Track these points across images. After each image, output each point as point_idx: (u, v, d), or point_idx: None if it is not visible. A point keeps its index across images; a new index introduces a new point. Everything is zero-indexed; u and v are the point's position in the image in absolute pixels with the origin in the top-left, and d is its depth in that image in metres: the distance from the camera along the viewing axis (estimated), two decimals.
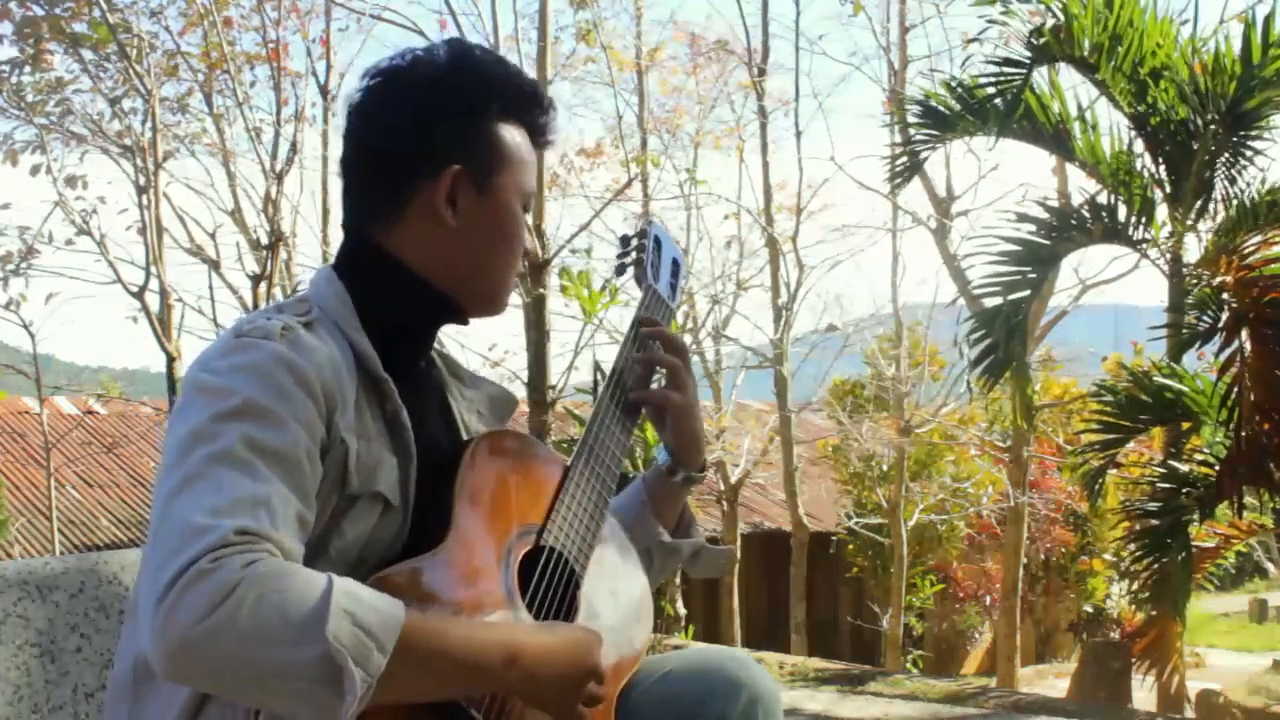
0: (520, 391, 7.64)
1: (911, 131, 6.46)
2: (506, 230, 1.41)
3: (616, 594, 1.44)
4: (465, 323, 1.46)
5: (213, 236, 8.78)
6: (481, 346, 8.89)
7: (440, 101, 1.36)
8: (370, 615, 1.06)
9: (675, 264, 1.70)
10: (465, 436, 1.47)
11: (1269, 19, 5.34)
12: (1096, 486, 5.84)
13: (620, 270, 1.66)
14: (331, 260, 1.44)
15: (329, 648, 1.02)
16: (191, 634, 1.01)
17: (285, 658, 1.02)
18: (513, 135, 1.40)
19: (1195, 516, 5.40)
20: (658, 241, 1.67)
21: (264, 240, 8.27)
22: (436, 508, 1.30)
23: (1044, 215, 6.02)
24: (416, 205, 1.36)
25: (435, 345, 1.49)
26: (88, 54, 8.68)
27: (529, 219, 1.49)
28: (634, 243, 1.66)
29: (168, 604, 1.02)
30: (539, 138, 1.45)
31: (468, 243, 1.38)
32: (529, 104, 1.43)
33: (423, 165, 1.36)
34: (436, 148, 1.36)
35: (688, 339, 10.93)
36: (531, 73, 1.57)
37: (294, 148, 8.57)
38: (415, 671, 1.09)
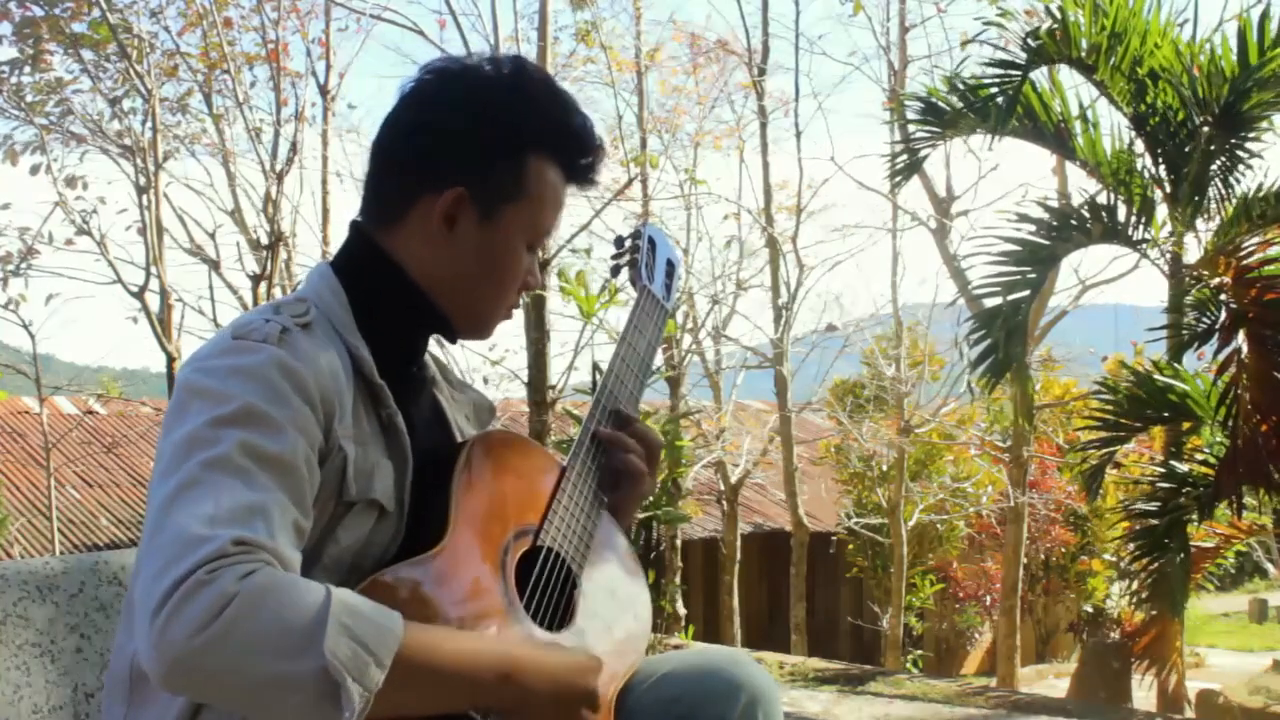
0: (520, 392, 7.64)
1: (912, 129, 6.45)
2: (498, 264, 1.38)
3: (614, 594, 1.44)
4: (453, 340, 1.45)
5: (213, 236, 8.79)
6: (482, 346, 8.88)
7: (472, 120, 1.34)
8: (368, 629, 1.05)
9: (670, 264, 1.70)
10: (459, 438, 1.47)
11: (1264, 20, 5.34)
12: (1095, 484, 5.84)
13: (615, 271, 1.66)
14: (331, 256, 1.44)
15: (326, 662, 1.01)
16: (189, 646, 1.01)
17: (282, 671, 1.02)
18: (542, 172, 1.38)
19: (1195, 516, 5.40)
20: (652, 242, 1.67)
21: (264, 240, 8.27)
22: (433, 510, 1.30)
23: (1044, 215, 6.01)
24: (416, 212, 1.35)
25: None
26: (88, 54, 8.68)
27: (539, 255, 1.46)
28: (628, 244, 1.66)
29: (164, 616, 1.02)
30: (578, 180, 1.43)
31: (457, 264, 1.36)
32: (571, 145, 1.40)
33: (431, 176, 1.34)
34: (449, 163, 1.34)
35: (687, 339, 10.94)
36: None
37: (294, 148, 8.58)
38: (411, 686, 1.09)
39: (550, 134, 1.38)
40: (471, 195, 1.34)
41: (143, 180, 8.48)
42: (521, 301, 1.48)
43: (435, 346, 1.52)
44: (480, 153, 1.34)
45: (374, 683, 1.04)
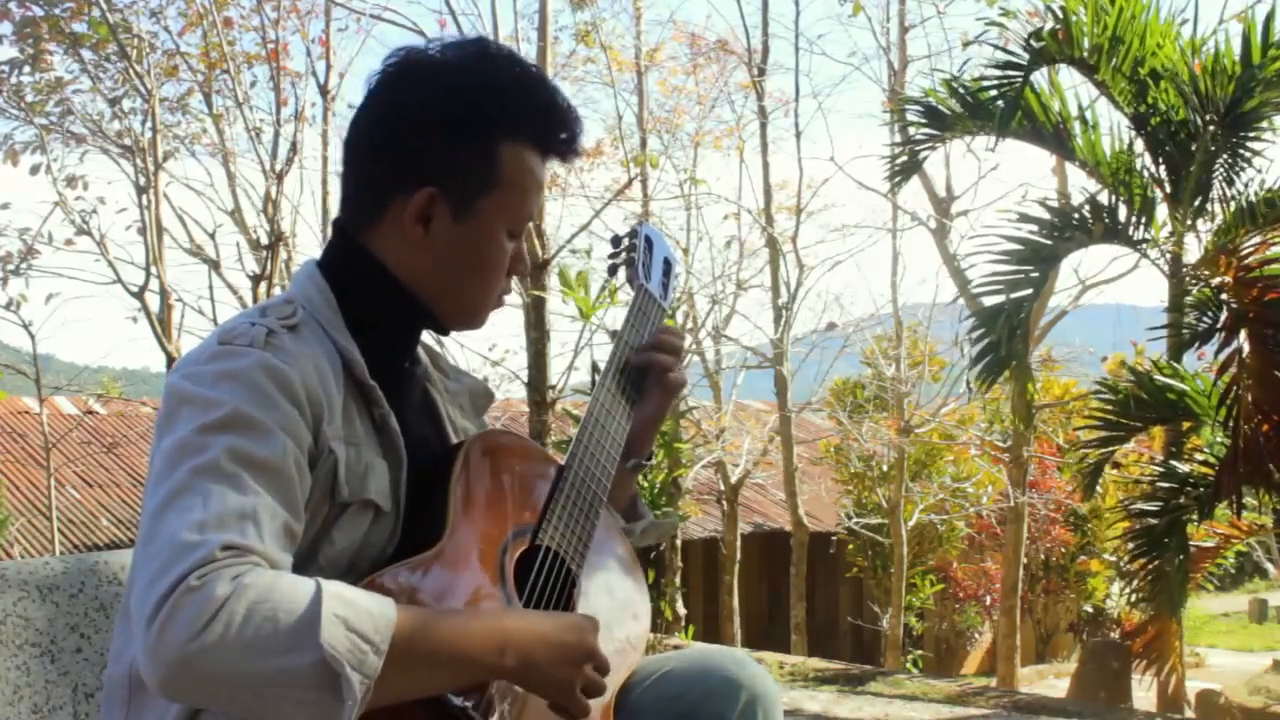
0: (520, 392, 7.64)
1: (911, 131, 6.45)
2: (481, 259, 1.36)
3: (613, 592, 1.44)
4: (444, 333, 1.44)
5: (213, 236, 8.80)
6: (481, 346, 8.89)
7: (437, 116, 1.31)
8: (363, 618, 1.06)
9: (667, 263, 1.70)
10: (451, 432, 1.46)
11: (1269, 20, 5.34)
12: (1093, 483, 5.84)
13: (612, 270, 1.66)
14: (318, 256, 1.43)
15: (324, 654, 1.02)
16: (185, 652, 1.01)
17: (281, 667, 1.02)
18: (516, 158, 1.34)
19: (1194, 516, 5.40)
20: (649, 241, 1.67)
21: (264, 240, 8.27)
22: (430, 509, 1.30)
23: (1045, 215, 6.02)
24: (391, 215, 1.34)
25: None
26: (88, 54, 8.69)
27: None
28: (625, 243, 1.65)
29: (158, 624, 1.02)
30: (559, 154, 1.39)
31: (439, 263, 1.34)
32: (546, 124, 1.36)
33: (400, 179, 1.32)
34: (417, 165, 1.32)
35: (687, 339, 10.93)
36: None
37: (294, 148, 8.58)
38: (411, 669, 1.10)
39: (521, 117, 1.34)
40: (443, 193, 1.32)
41: (143, 180, 8.48)
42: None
43: (428, 335, 1.51)
44: (449, 149, 1.31)
45: (373, 669, 1.05)
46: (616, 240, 1.66)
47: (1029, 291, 5.77)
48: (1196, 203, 5.78)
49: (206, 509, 1.09)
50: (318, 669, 1.02)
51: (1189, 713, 6.62)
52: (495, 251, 1.37)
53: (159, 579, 1.04)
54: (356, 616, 1.05)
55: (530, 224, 1.44)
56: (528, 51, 8.00)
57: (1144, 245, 5.96)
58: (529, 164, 1.36)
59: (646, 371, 1.57)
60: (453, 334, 1.46)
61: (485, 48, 1.37)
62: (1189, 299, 5.62)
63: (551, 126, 1.37)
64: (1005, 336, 5.63)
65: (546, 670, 1.20)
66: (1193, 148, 5.68)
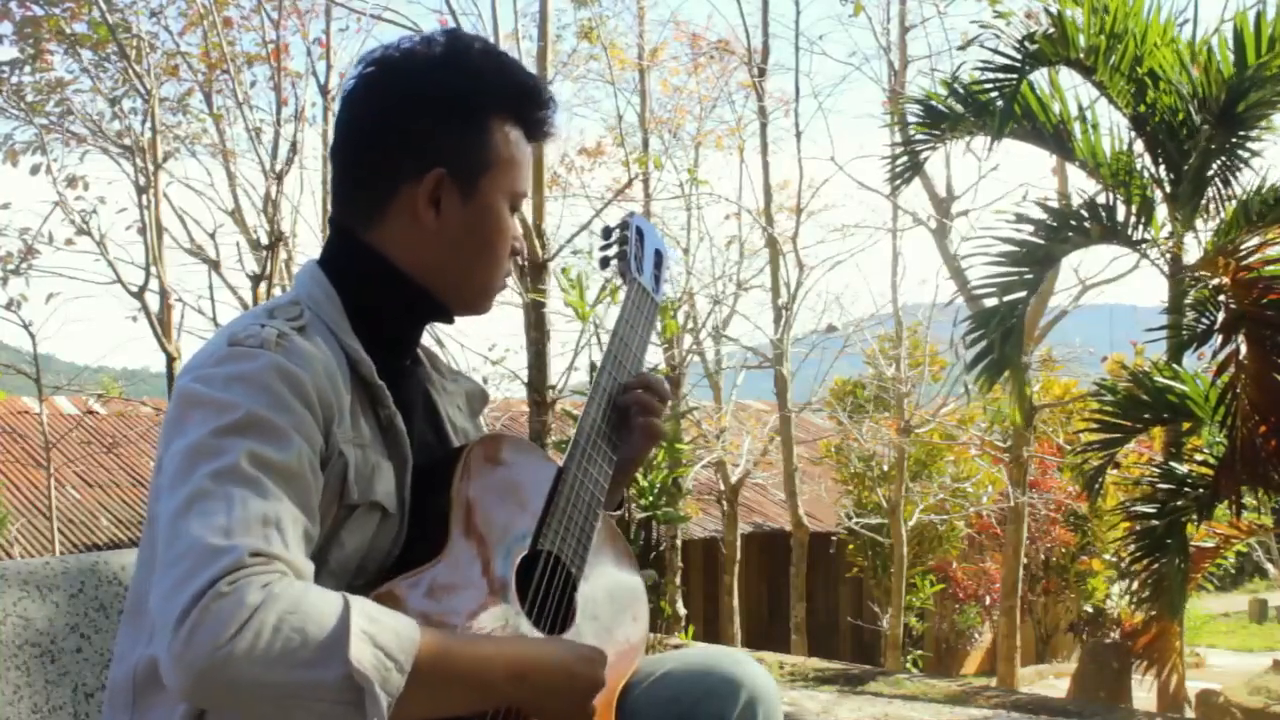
0: (520, 392, 7.64)
1: (911, 131, 6.45)
2: (489, 234, 1.38)
3: (613, 595, 1.44)
4: (450, 321, 1.46)
5: (213, 236, 8.81)
6: (481, 346, 8.89)
7: (429, 100, 1.34)
8: (389, 636, 1.07)
9: (659, 254, 1.67)
10: (451, 433, 1.47)
11: (1259, 19, 5.33)
12: (1096, 486, 5.84)
13: (604, 263, 1.64)
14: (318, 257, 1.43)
15: (352, 669, 1.02)
16: (213, 659, 1.01)
17: (308, 679, 1.02)
18: (505, 135, 1.38)
19: (1194, 517, 5.40)
20: (640, 233, 1.65)
21: (264, 240, 8.27)
22: (432, 514, 1.30)
23: (1042, 216, 6.01)
24: (398, 204, 1.35)
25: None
26: (88, 54, 8.70)
27: (527, 217, 1.47)
28: (615, 234, 1.64)
29: (187, 629, 1.02)
30: (537, 133, 1.43)
31: (449, 245, 1.36)
32: (525, 101, 1.40)
33: (406, 165, 1.34)
34: (421, 149, 1.34)
35: (687, 339, 10.93)
36: (532, 70, 1.53)
37: (294, 148, 8.58)
38: (431, 690, 1.10)
39: (504, 94, 1.38)
40: (450, 174, 1.34)
41: (143, 180, 8.49)
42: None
43: (427, 336, 1.52)
44: (447, 130, 1.34)
45: (396, 687, 1.05)
46: (607, 232, 1.65)
47: (1023, 294, 5.77)
48: (1195, 203, 5.77)
49: (230, 514, 1.09)
50: (344, 684, 1.03)
51: (1189, 713, 6.62)
52: (502, 227, 1.39)
53: (186, 583, 1.04)
54: (382, 634, 1.06)
55: (527, 219, 1.45)
56: (528, 50, 8.01)
57: (1144, 245, 5.95)
58: (516, 139, 1.39)
59: (628, 410, 1.51)
60: (453, 334, 1.47)
61: (457, 35, 1.41)
62: (1188, 299, 5.61)
63: (530, 104, 1.41)
64: (998, 340, 5.63)
65: (559, 703, 1.22)
66: (1189, 148, 5.67)
